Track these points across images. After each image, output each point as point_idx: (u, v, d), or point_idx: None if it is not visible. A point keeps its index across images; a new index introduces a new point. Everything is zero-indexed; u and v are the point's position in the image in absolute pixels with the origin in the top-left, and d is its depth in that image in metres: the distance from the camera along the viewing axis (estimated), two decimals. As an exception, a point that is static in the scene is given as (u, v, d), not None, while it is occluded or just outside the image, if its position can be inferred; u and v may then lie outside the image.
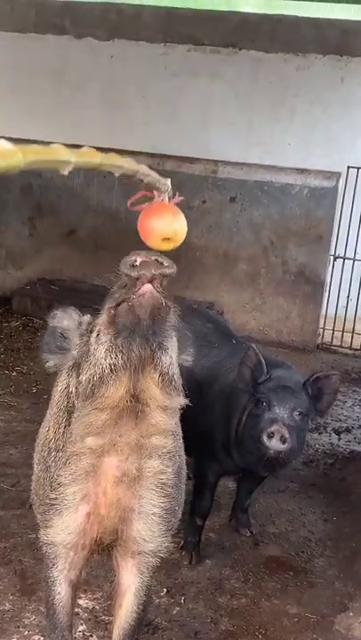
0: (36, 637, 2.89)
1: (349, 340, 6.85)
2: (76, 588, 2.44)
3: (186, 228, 1.97)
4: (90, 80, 7.03)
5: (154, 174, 1.87)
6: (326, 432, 5.16)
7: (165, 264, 1.86)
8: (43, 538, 2.34)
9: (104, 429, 2.04)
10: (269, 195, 6.84)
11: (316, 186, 6.71)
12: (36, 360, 5.83)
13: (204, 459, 3.46)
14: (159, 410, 2.02)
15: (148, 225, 1.94)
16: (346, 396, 5.71)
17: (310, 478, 4.56)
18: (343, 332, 6.83)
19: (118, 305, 1.89)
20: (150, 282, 1.84)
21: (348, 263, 6.73)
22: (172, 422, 2.12)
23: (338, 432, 5.19)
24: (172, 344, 1.97)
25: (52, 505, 2.24)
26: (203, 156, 6.88)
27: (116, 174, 1.74)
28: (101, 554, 2.37)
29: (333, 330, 6.85)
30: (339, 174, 6.60)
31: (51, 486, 2.23)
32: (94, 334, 1.99)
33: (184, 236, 1.99)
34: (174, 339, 1.99)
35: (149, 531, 2.27)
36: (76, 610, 2.62)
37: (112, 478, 2.14)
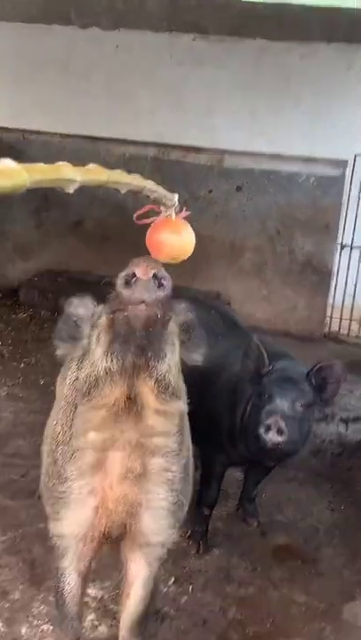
0: (46, 627, 2.91)
1: (357, 329, 6.83)
2: (86, 578, 2.46)
3: (194, 242, 2.00)
4: (95, 70, 7.01)
5: (160, 190, 1.89)
6: (334, 422, 5.15)
7: (163, 282, 1.84)
8: (52, 530, 2.35)
9: (104, 426, 2.06)
10: (276, 184, 6.82)
11: (322, 174, 6.68)
12: (44, 352, 5.91)
13: (211, 449, 3.47)
14: (156, 413, 2.04)
15: (157, 241, 1.98)
16: (354, 385, 5.69)
17: (318, 468, 4.57)
18: (351, 320, 6.81)
19: (115, 312, 1.90)
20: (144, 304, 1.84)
21: (356, 252, 6.70)
22: (172, 424, 2.13)
23: (346, 421, 5.18)
24: (172, 350, 1.98)
25: (61, 498, 2.25)
26: (208, 145, 6.85)
27: (123, 191, 1.76)
28: (110, 546, 2.38)
29: (341, 319, 6.83)
30: (345, 162, 6.56)
31: (59, 479, 2.24)
32: (95, 333, 2.00)
33: (192, 249, 2.02)
34: (175, 344, 2.00)
35: (157, 524, 2.28)
36: (85, 599, 2.63)
37: (117, 474, 2.15)
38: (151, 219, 1.98)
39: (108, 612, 3.02)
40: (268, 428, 3.04)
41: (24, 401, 5.07)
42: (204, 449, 3.41)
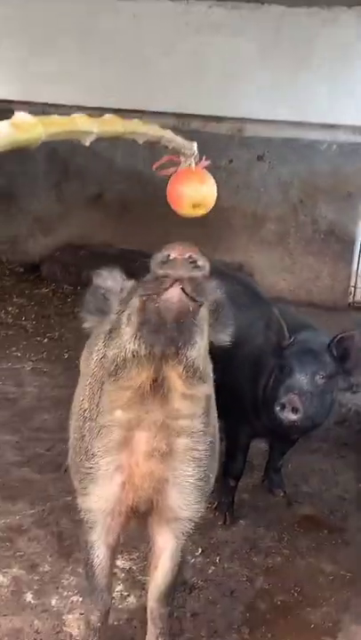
0: (75, 598, 2.94)
1: (381, 298, 6.79)
2: (115, 550, 2.47)
3: (215, 193, 1.94)
4: (112, 40, 6.92)
5: (179, 139, 1.84)
6: (359, 391, 5.12)
7: (199, 263, 1.81)
8: (80, 504, 2.37)
9: (129, 406, 2.06)
10: (297, 152, 6.73)
11: (344, 141, 6.59)
12: (68, 326, 5.93)
13: (236, 421, 3.47)
14: (182, 397, 2.02)
15: (178, 192, 1.92)
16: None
17: (343, 438, 4.55)
18: (375, 289, 6.76)
19: (148, 298, 1.86)
20: (179, 283, 1.80)
21: (379, 220, 6.63)
22: (198, 407, 2.11)
23: (371, 391, 5.15)
24: (202, 336, 1.94)
25: (88, 474, 2.25)
26: (228, 114, 6.76)
27: (140, 141, 1.71)
28: (138, 521, 2.39)
29: (365, 288, 6.78)
30: (368, 129, 6.47)
31: (86, 456, 2.25)
32: (126, 313, 1.97)
33: (214, 200, 1.96)
34: (205, 329, 1.96)
35: (184, 500, 2.28)
36: (114, 570, 2.65)
37: (143, 452, 2.15)
38: (171, 169, 1.93)
39: (137, 582, 3.05)
40: (283, 407, 3.03)
41: (48, 375, 5.10)
42: (228, 421, 3.40)
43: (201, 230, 7.04)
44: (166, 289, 1.81)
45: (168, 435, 2.12)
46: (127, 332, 1.94)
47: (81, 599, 2.88)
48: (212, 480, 2.39)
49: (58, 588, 3.02)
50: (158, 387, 1.99)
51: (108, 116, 1.53)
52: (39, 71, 6.92)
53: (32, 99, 6.73)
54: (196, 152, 1.90)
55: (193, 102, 6.71)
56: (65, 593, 2.98)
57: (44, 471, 3.87)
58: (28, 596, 2.94)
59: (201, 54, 6.71)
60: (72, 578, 3.07)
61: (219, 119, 6.77)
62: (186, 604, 2.99)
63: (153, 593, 2.47)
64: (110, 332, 2.10)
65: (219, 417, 2.46)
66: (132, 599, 2.98)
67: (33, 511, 3.51)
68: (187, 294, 1.81)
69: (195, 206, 1.91)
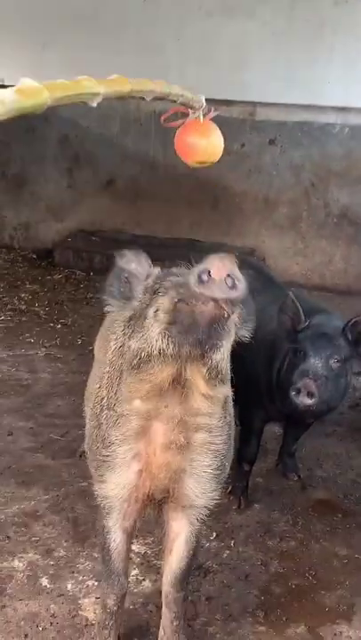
0: (90, 582, 2.96)
1: (395, 282, 6.75)
2: (131, 535, 2.48)
3: (222, 144, 1.94)
4: (123, 25, 6.88)
5: (187, 93, 1.83)
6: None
7: (237, 284, 1.78)
8: (97, 491, 2.37)
9: (148, 397, 2.05)
10: (309, 135, 6.69)
11: (357, 124, 6.54)
12: (80, 312, 5.95)
13: (250, 405, 3.46)
14: (202, 397, 2.02)
15: (186, 143, 1.92)
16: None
17: (357, 422, 4.55)
18: (388, 273, 6.73)
19: (181, 300, 1.85)
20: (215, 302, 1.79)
21: (392, 202, 6.59)
22: (217, 407, 2.11)
23: (385, 375, 5.14)
24: (229, 339, 1.94)
25: (105, 462, 2.25)
26: (240, 97, 6.72)
27: (148, 98, 1.70)
28: (154, 509, 2.39)
29: (378, 271, 6.75)
30: (380, 111, 6.42)
31: (103, 444, 2.24)
32: (153, 308, 1.94)
33: (221, 151, 1.96)
34: (232, 332, 1.95)
35: (201, 488, 2.28)
36: (130, 555, 2.66)
37: (161, 444, 2.14)
38: (179, 121, 1.93)
39: (152, 567, 3.07)
40: (298, 391, 3.02)
41: (62, 361, 5.12)
42: (242, 406, 3.40)
43: (213, 215, 7.07)
44: (202, 304, 1.80)
45: (186, 429, 2.12)
46: (155, 328, 1.91)
47: (96, 583, 2.91)
48: (228, 467, 2.39)
49: (73, 572, 3.04)
50: (178, 384, 1.98)
51: (114, 75, 1.52)
52: (49, 56, 6.90)
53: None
54: (205, 104, 1.90)
55: (204, 86, 6.61)
56: (80, 577, 3.00)
57: (58, 457, 3.89)
58: (44, 581, 2.97)
59: (213, 37, 6.66)
60: (87, 562, 3.09)
61: (230, 103, 6.72)
62: (201, 587, 3.00)
63: (168, 577, 2.48)
64: (130, 319, 2.08)
65: (233, 402, 2.46)
66: (147, 583, 2.99)
67: (47, 497, 3.53)
68: (221, 308, 1.80)
69: (202, 157, 1.91)
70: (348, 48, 6.41)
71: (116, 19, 6.87)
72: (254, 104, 6.74)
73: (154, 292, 1.98)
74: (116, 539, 2.42)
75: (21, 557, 3.09)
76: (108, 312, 2.26)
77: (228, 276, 1.76)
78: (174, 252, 3.81)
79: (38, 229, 7.69)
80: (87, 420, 2.46)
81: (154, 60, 6.74)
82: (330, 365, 3.08)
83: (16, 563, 3.06)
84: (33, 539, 3.22)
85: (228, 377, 2.08)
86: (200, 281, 1.77)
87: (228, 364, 2.05)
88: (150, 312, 1.94)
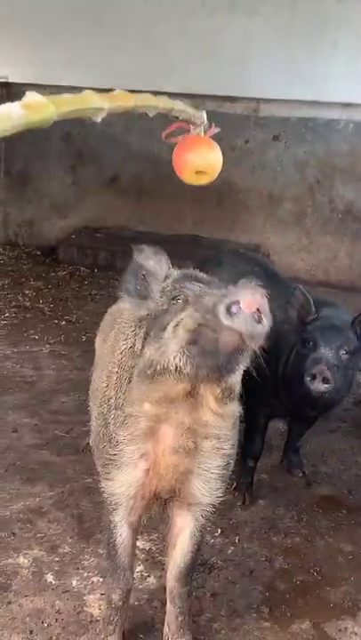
0: (95, 579, 2.96)
1: None
2: (137, 530, 2.49)
3: (221, 161, 1.93)
4: (126, 22, 6.88)
5: (189, 109, 1.84)
6: (377, 371, 5.11)
7: (263, 319, 1.76)
8: (103, 488, 2.37)
9: (159, 403, 2.05)
10: (314, 131, 6.69)
11: (361, 120, 6.54)
12: (85, 309, 5.95)
13: (254, 401, 3.45)
14: (212, 412, 2.03)
15: (183, 158, 1.91)
16: None
17: (362, 418, 4.55)
18: (393, 269, 6.72)
19: (204, 324, 1.83)
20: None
21: None
22: (227, 422, 2.13)
23: (390, 371, 5.12)
24: (246, 362, 1.94)
25: (112, 460, 2.25)
26: (244, 94, 6.72)
27: (151, 114, 1.71)
28: (159, 505, 2.39)
29: (383, 268, 6.74)
30: (385, 107, 6.41)
31: (110, 443, 2.24)
32: (174, 322, 1.91)
33: (219, 168, 1.95)
34: (249, 355, 1.93)
35: (207, 487, 2.28)
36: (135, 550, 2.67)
37: (169, 447, 2.14)
38: (180, 137, 1.92)
39: (157, 563, 3.07)
40: (313, 377, 3.02)
41: (66, 358, 5.12)
42: (247, 402, 3.40)
43: (217, 211, 7.06)
44: (227, 335, 1.79)
45: (195, 436, 2.12)
46: (174, 345, 1.90)
47: (101, 580, 2.91)
48: (232, 465, 2.39)
49: (78, 568, 3.04)
50: (191, 396, 1.99)
51: (118, 91, 1.53)
52: (52, 54, 6.90)
53: (45, 82, 6.70)
54: (206, 121, 1.90)
55: (208, 83, 6.67)
56: (85, 574, 3.01)
57: (62, 453, 3.89)
58: (49, 577, 2.97)
59: (216, 34, 6.65)
60: (92, 559, 3.09)
61: (234, 99, 6.72)
62: (205, 583, 3.00)
63: (172, 572, 2.48)
64: (142, 320, 2.07)
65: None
66: (152, 579, 3.00)
67: (52, 493, 3.53)
68: (244, 342, 1.80)
69: (199, 173, 1.90)
70: (352, 44, 6.40)
71: (119, 16, 6.87)
72: (258, 100, 6.74)
73: (172, 298, 1.97)
74: (123, 533, 2.42)
75: (26, 554, 3.10)
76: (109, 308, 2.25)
77: (257, 310, 1.75)
78: (178, 249, 3.82)
79: (42, 226, 7.70)
80: (93, 418, 2.45)
81: (157, 57, 6.76)
82: (340, 356, 3.09)
83: (21, 559, 3.06)
84: (38, 535, 3.22)
85: (239, 394, 2.09)
86: (229, 312, 1.75)
87: (240, 383, 2.05)
88: (170, 325, 1.92)
